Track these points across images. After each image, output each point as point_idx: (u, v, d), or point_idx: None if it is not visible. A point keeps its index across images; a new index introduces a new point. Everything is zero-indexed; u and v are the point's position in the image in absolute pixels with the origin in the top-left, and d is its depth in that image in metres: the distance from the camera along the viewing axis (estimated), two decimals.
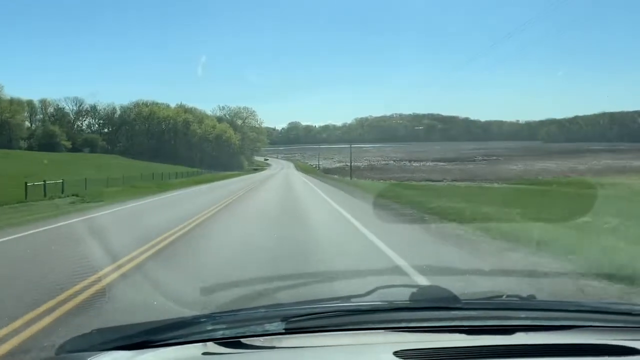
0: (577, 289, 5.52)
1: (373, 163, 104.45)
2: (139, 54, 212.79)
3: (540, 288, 5.72)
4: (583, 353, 1.52)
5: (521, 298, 2.01)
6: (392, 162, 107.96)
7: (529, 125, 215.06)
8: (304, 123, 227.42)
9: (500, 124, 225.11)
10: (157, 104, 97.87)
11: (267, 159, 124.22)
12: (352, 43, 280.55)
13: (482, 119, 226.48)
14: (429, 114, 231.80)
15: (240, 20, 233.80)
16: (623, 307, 2.11)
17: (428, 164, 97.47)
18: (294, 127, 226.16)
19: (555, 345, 1.57)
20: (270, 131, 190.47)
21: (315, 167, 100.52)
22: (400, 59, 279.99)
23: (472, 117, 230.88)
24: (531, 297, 2.03)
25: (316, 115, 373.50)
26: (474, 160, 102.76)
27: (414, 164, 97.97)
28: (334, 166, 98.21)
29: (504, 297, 2.05)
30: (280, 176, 59.27)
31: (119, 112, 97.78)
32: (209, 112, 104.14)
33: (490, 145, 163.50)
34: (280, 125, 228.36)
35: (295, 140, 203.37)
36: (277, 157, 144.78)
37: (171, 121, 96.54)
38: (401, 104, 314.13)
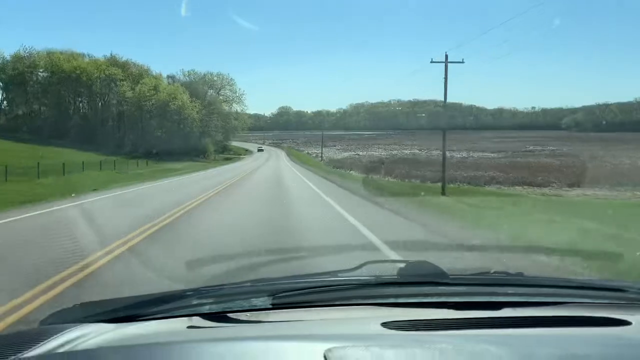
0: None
1: (393, 152, 75.97)
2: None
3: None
4: (570, 324, 1.51)
5: (509, 274, 1.97)
6: (416, 151, 79.58)
7: (546, 112, 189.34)
8: (295, 109, 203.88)
9: (513, 111, 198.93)
10: (65, 53, 58.93)
11: (258, 150, 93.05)
12: (344, 26, 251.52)
13: (488, 107, 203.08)
14: (431, 100, 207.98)
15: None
16: (611, 284, 2.00)
17: (474, 154, 69.80)
18: (284, 112, 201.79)
19: (543, 317, 1.55)
20: (258, 117, 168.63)
21: (315, 156, 71.79)
22: (397, 43, 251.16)
23: (477, 104, 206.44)
24: (519, 274, 1.99)
25: (308, 101, 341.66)
26: (530, 152, 74.64)
27: (456, 155, 69.76)
28: (339, 156, 69.82)
29: (492, 272, 2.00)
30: (263, 178, 30.57)
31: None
32: (164, 78, 70.41)
33: (513, 134, 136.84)
34: (268, 111, 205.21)
35: (286, 127, 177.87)
36: (263, 143, 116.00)
37: (84, 77, 57.15)
38: (399, 90, 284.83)
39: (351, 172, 43.48)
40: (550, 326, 1.49)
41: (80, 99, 62.55)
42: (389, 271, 1.93)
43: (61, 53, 57.80)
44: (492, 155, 69.11)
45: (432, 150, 78.15)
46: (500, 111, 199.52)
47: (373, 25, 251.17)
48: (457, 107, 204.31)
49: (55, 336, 1.36)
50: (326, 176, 32.50)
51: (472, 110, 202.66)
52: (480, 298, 1.69)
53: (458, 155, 70.18)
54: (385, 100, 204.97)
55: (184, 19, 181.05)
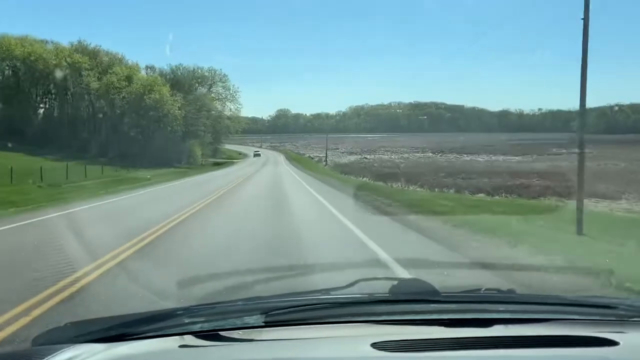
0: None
1: (404, 155, 67.61)
2: None
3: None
4: (561, 344, 1.50)
5: (500, 291, 1.97)
6: (430, 154, 71.33)
7: (554, 115, 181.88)
8: (293, 111, 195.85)
9: (518, 113, 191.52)
10: (20, 38, 47.28)
11: (254, 154, 79.04)
12: (343, 28, 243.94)
13: (490, 109, 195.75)
14: (432, 102, 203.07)
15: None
16: (601, 301, 2.01)
17: (496, 158, 61.59)
18: (282, 114, 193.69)
19: (533, 337, 1.55)
20: (256, 120, 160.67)
21: (318, 160, 63.37)
22: (397, 46, 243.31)
23: (479, 106, 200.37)
24: (510, 291, 2.00)
25: (306, 104, 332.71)
26: (557, 155, 66.48)
27: (478, 159, 61.58)
28: (344, 160, 61.47)
29: (483, 290, 1.99)
30: (258, 191, 22.65)
31: None
32: (141, 69, 58.75)
33: (526, 136, 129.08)
34: (266, 114, 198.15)
35: (284, 130, 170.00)
36: (260, 146, 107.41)
37: (40, 64, 45.90)
38: (399, 92, 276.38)
39: (364, 179, 35.12)
40: (540, 346, 1.48)
41: (38, 92, 51.96)
42: (382, 289, 1.87)
43: (15, 38, 47.51)
44: (518, 158, 60.87)
45: (447, 154, 70.01)
46: (505, 113, 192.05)
47: (372, 28, 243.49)
48: (458, 109, 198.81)
49: (47, 357, 1.34)
50: (340, 187, 24.56)
51: (474, 112, 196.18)
52: (472, 315, 1.66)
53: (482, 159, 62.03)
54: (385, 102, 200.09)
55: (182, 16, 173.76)
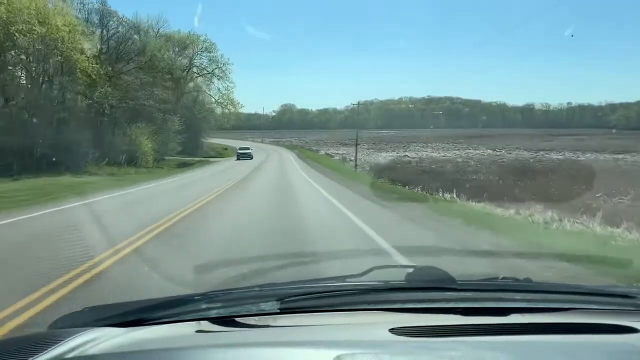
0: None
1: (470, 153, 48.99)
2: None
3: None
4: (578, 332, 1.47)
5: (517, 280, 1.92)
6: (488, 151, 52.66)
7: (583, 109, 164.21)
8: (299, 107, 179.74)
9: (545, 108, 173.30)
10: None
11: (239, 154, 47.04)
12: (350, 22, 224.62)
13: (511, 103, 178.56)
14: (446, 97, 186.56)
15: None
16: (619, 290, 1.95)
17: (600, 157, 43.16)
18: (287, 110, 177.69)
19: (551, 324, 1.53)
20: (259, 116, 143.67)
21: (342, 159, 44.64)
22: (408, 38, 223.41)
23: (498, 100, 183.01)
24: (527, 280, 1.94)
25: (312, 99, 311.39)
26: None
27: (553, 156, 42.98)
28: (378, 159, 43.00)
29: (500, 278, 1.96)
30: None
31: None
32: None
33: (562, 132, 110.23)
34: (270, 109, 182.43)
35: (290, 125, 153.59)
36: (261, 142, 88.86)
37: None
38: (410, 87, 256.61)
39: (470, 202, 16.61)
40: (557, 333, 1.46)
41: None
42: (397, 276, 1.85)
43: None
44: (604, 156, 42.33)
45: (521, 151, 51.47)
46: (529, 108, 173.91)
47: (381, 21, 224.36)
48: (476, 104, 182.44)
49: (65, 340, 1.33)
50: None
51: (494, 107, 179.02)
52: (488, 304, 1.65)
53: (558, 157, 43.50)
54: (396, 97, 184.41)
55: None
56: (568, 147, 53.23)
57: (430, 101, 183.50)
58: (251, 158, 44.39)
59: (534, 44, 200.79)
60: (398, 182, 23.70)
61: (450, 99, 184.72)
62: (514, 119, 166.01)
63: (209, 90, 51.16)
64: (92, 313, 1.65)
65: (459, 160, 39.70)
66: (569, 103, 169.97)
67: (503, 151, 52.01)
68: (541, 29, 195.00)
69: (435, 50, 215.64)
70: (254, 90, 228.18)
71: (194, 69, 49.25)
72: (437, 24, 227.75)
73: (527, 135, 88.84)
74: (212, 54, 48.74)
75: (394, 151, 53.10)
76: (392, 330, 1.40)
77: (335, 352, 1.20)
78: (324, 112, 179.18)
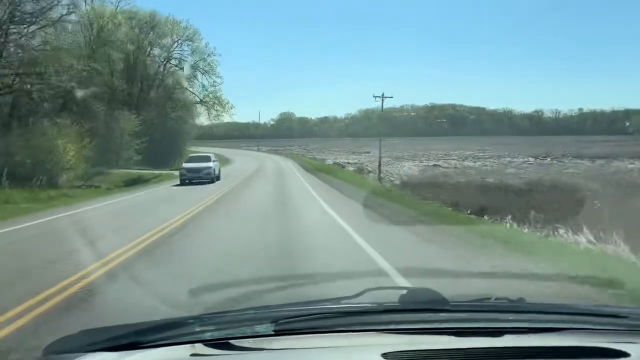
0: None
1: (485, 163, 39.59)
2: None
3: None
4: (571, 355, 1.48)
5: (510, 301, 1.93)
6: (508, 158, 43.38)
7: (595, 115, 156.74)
8: (298, 115, 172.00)
9: (555, 115, 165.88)
10: None
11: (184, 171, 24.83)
12: (348, 29, 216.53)
13: (519, 110, 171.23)
14: (449, 104, 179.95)
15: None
16: (612, 310, 2.00)
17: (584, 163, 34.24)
18: (285, 118, 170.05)
19: (543, 347, 1.52)
20: (257, 125, 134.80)
21: (358, 170, 35.03)
22: (407, 48, 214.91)
23: (503, 107, 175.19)
24: (520, 300, 1.95)
25: (311, 108, 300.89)
26: None
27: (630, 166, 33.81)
28: (405, 170, 33.51)
29: (493, 299, 1.97)
30: None
31: None
32: None
33: (583, 139, 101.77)
34: (268, 117, 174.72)
35: (288, 134, 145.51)
36: (257, 150, 79.49)
37: None
38: (412, 95, 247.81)
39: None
40: (549, 357, 1.47)
41: None
42: (390, 298, 1.82)
43: None
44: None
45: (577, 160, 42.11)
46: (538, 114, 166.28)
47: (380, 28, 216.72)
48: (480, 111, 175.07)
49: None
50: None
51: (500, 114, 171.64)
52: (482, 324, 1.65)
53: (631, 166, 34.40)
54: (397, 105, 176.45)
55: None
56: (626, 154, 43.93)
57: (432, 108, 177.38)
58: (212, 179, 24.40)
59: (540, 49, 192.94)
60: (463, 208, 14.34)
61: (454, 106, 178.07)
62: (521, 125, 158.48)
63: (192, 87, 41.38)
64: (86, 337, 1.64)
65: (508, 172, 30.22)
66: (580, 109, 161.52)
67: (549, 159, 42.65)
68: (549, 33, 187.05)
69: (438, 57, 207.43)
70: (250, 99, 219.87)
71: (173, 62, 39.74)
72: (438, 30, 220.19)
73: (558, 142, 79.97)
74: (195, 43, 39.38)
75: (415, 160, 43.79)
76: (384, 355, 1.39)
77: None
78: (324, 120, 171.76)
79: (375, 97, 35.83)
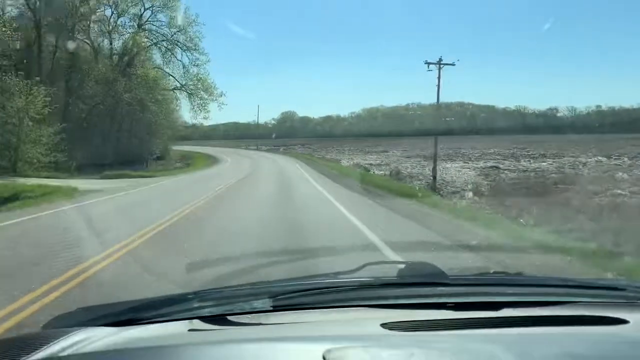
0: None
1: (555, 162, 30.16)
2: None
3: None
4: (568, 324, 1.48)
5: (508, 274, 1.93)
6: (569, 157, 33.59)
7: (615, 112, 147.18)
8: (300, 114, 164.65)
9: (571, 113, 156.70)
10: None
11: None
12: (352, 27, 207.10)
13: (532, 107, 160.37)
14: (457, 103, 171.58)
15: None
16: (610, 283, 1.98)
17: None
18: (288, 117, 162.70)
19: (542, 317, 1.53)
20: (258, 125, 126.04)
21: (397, 173, 25.75)
22: (412, 45, 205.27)
23: (513, 105, 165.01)
24: (519, 274, 1.94)
25: (313, 107, 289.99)
26: None
27: None
28: (452, 171, 24.12)
29: (492, 272, 1.95)
30: None
31: None
32: None
33: (608, 137, 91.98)
34: (269, 117, 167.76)
35: (290, 134, 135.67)
36: (256, 149, 71.06)
37: None
38: (416, 92, 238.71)
39: None
40: (548, 325, 1.47)
41: None
42: (389, 272, 1.80)
43: None
44: None
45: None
46: (552, 112, 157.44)
47: (385, 26, 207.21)
48: (490, 109, 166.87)
49: (58, 340, 1.32)
50: None
51: (511, 112, 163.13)
52: (480, 298, 1.63)
53: None
54: (403, 103, 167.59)
55: None
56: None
57: (439, 107, 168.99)
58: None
59: (554, 45, 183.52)
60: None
61: (461, 104, 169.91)
62: (535, 123, 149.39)
63: (168, 68, 31.82)
64: (85, 313, 1.62)
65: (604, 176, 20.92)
66: (598, 106, 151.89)
67: (625, 159, 33.38)
68: (560, 27, 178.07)
69: (443, 53, 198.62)
70: (251, 99, 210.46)
71: (143, 34, 30.14)
72: (443, 24, 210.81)
73: (594, 139, 70.63)
74: (173, 13, 29.98)
75: (454, 161, 34.65)
76: (383, 325, 1.40)
77: (326, 346, 1.19)
78: (327, 119, 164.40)
79: (429, 64, 26.27)
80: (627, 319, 1.45)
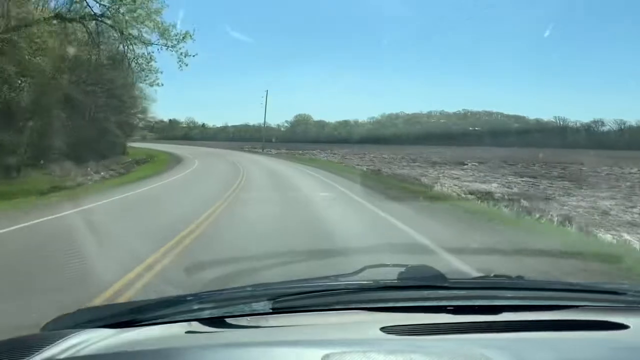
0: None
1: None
2: None
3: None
4: (569, 328, 1.46)
5: (509, 278, 1.90)
6: None
7: (632, 130, 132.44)
8: (315, 118, 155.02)
9: (619, 125, 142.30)
10: None
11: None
12: (370, 32, 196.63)
13: (572, 119, 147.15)
14: (485, 111, 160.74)
15: None
16: (610, 287, 1.96)
17: None
18: (301, 121, 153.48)
19: (542, 321, 1.51)
20: (270, 128, 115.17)
21: (510, 202, 13.52)
22: (438, 49, 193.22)
23: (541, 116, 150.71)
24: (519, 277, 1.91)
25: (329, 112, 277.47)
26: None
27: None
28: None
29: (492, 276, 1.94)
30: None
31: None
32: None
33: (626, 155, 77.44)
34: (282, 119, 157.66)
35: (304, 138, 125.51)
36: (263, 149, 61.34)
37: None
38: (441, 100, 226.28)
39: None
40: (548, 330, 1.45)
41: None
42: (389, 275, 1.79)
43: None
44: None
45: None
46: (596, 123, 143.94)
47: (405, 31, 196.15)
48: (520, 119, 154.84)
49: (57, 342, 1.32)
50: None
51: (547, 122, 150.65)
52: (480, 302, 1.61)
53: None
54: (424, 111, 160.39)
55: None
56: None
57: (465, 116, 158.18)
58: None
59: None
60: None
61: (489, 113, 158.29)
62: (576, 137, 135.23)
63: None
64: (84, 315, 1.62)
65: None
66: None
67: None
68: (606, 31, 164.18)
69: (470, 61, 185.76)
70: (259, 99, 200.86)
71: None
72: (469, 33, 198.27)
73: None
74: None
75: (521, 176, 23.06)
76: (383, 329, 1.39)
77: (324, 351, 1.19)
78: (344, 124, 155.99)
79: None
80: (628, 323, 1.43)
